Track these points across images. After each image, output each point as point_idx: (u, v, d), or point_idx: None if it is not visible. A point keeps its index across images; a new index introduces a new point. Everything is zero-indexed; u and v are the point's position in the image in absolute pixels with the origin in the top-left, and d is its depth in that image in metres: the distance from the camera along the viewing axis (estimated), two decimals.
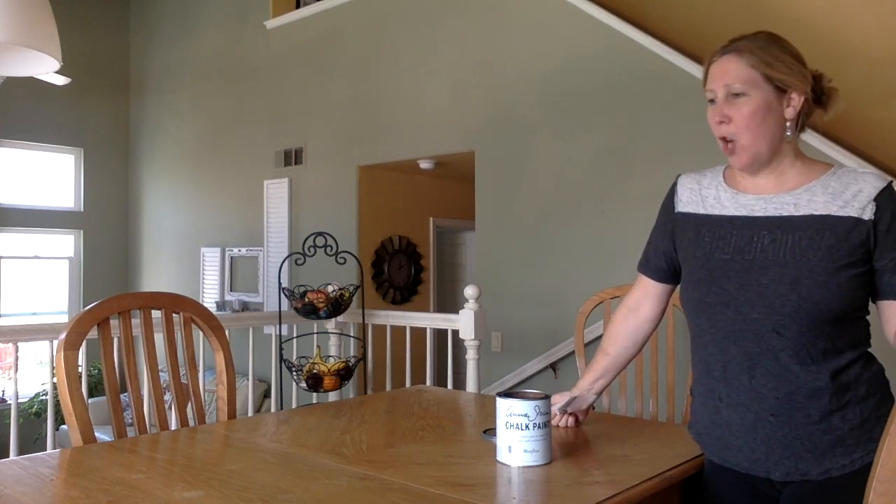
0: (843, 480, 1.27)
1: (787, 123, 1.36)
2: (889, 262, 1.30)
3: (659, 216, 1.61)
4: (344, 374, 3.72)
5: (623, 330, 1.66)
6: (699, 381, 1.45)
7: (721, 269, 1.39)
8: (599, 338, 3.29)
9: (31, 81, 4.79)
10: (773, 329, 1.31)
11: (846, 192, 1.33)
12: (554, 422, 1.68)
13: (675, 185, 1.56)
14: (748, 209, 1.40)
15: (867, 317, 1.36)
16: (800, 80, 1.35)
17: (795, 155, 1.39)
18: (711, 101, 1.40)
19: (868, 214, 1.30)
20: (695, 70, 3.88)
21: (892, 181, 1.35)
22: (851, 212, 1.31)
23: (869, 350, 1.36)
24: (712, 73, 1.39)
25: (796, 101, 1.35)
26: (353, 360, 3.82)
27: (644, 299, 1.64)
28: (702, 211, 1.46)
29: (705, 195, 1.48)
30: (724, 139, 1.38)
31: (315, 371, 3.67)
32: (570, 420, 1.70)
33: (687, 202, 1.50)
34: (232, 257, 6.64)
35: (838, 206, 1.32)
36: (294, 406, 4.05)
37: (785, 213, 1.36)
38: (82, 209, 7.54)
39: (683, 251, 1.49)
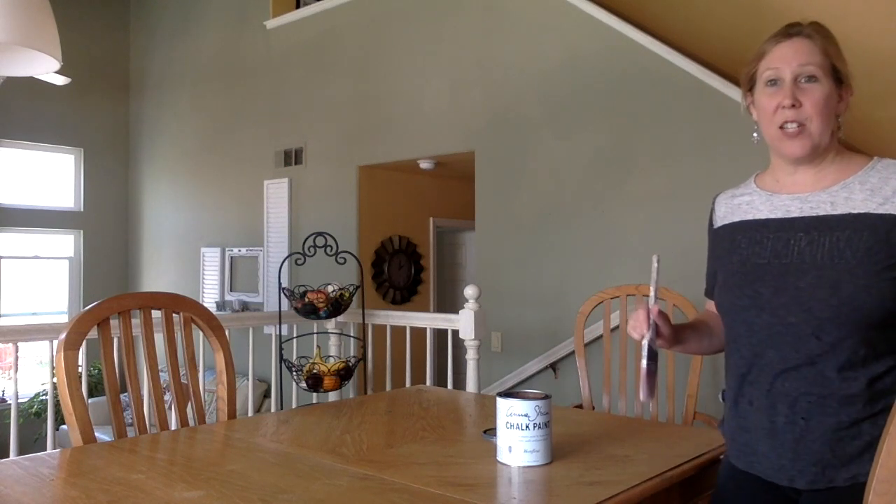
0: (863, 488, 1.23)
1: (839, 119, 1.33)
2: None
3: (709, 240, 1.55)
4: (344, 374, 3.72)
5: (707, 322, 1.56)
6: (731, 385, 1.41)
7: (756, 273, 1.35)
8: (599, 338, 3.30)
9: (31, 81, 4.79)
10: (813, 334, 1.26)
11: (886, 188, 1.27)
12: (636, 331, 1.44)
13: (713, 204, 1.53)
14: (784, 210, 1.36)
15: None
16: (853, 77, 1.33)
17: (836, 151, 1.35)
18: (772, 81, 1.33)
19: None
20: (695, 70, 3.88)
21: None
22: (891, 209, 1.25)
23: None
24: (779, 52, 1.32)
25: (847, 97, 1.33)
26: (353, 360, 3.82)
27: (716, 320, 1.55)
28: (736, 219, 1.44)
29: (738, 203, 1.45)
30: (786, 124, 1.31)
31: (315, 371, 3.67)
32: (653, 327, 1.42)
33: (723, 216, 1.48)
34: (232, 257, 6.64)
35: (877, 202, 1.26)
36: (294, 406, 4.05)
37: (822, 213, 1.30)
38: (82, 209, 7.54)
39: (720, 260, 1.45)
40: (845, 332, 1.24)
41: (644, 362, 1.40)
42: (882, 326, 1.24)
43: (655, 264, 1.43)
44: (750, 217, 1.41)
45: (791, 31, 1.34)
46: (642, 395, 1.44)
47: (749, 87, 1.40)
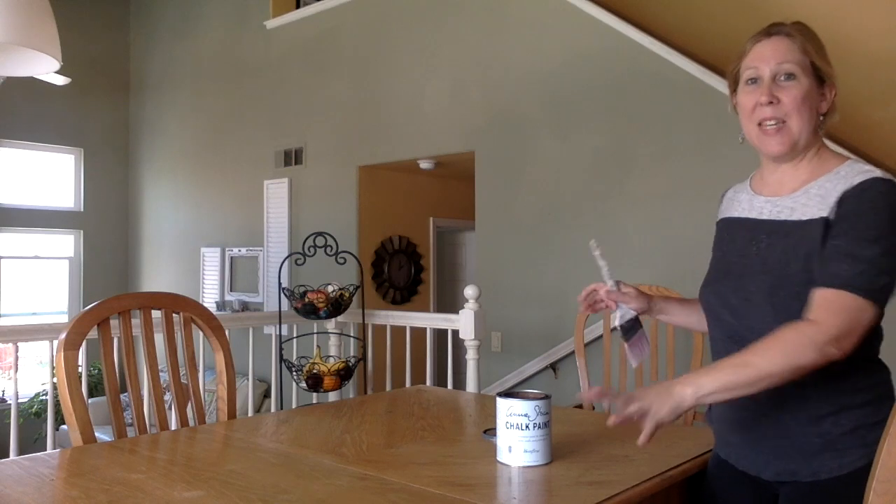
0: (834, 483, 1.25)
1: (821, 118, 1.33)
2: (829, 250, 1.22)
3: None
4: (344, 374, 3.72)
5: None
6: None
7: (724, 271, 1.39)
8: (599, 338, 3.30)
9: (31, 81, 4.79)
10: (763, 335, 1.27)
11: (832, 194, 1.26)
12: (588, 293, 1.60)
13: (720, 199, 1.56)
14: (757, 211, 1.38)
15: (880, 323, 1.29)
16: (835, 76, 1.33)
17: (817, 149, 1.35)
18: (752, 80, 1.33)
19: (834, 213, 1.24)
20: (695, 70, 3.88)
21: (882, 178, 1.24)
22: (826, 212, 1.25)
23: (872, 358, 1.30)
24: (759, 51, 1.33)
25: (829, 95, 1.33)
26: (353, 360, 3.82)
27: None
28: (727, 215, 1.48)
29: (732, 199, 1.48)
30: (764, 122, 1.32)
31: (315, 371, 3.67)
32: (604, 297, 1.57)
33: (723, 210, 1.51)
34: (232, 257, 6.64)
35: (820, 208, 1.27)
36: (294, 406, 4.05)
37: (783, 218, 1.32)
38: (82, 209, 7.54)
39: (712, 254, 1.50)
40: None
41: (627, 338, 1.57)
42: None
43: (596, 252, 1.59)
44: (735, 214, 1.44)
45: (772, 30, 1.35)
46: (634, 362, 1.61)
47: (734, 87, 1.41)
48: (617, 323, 1.59)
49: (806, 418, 1.27)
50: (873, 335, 1.29)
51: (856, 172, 1.27)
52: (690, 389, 1.19)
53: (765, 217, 1.36)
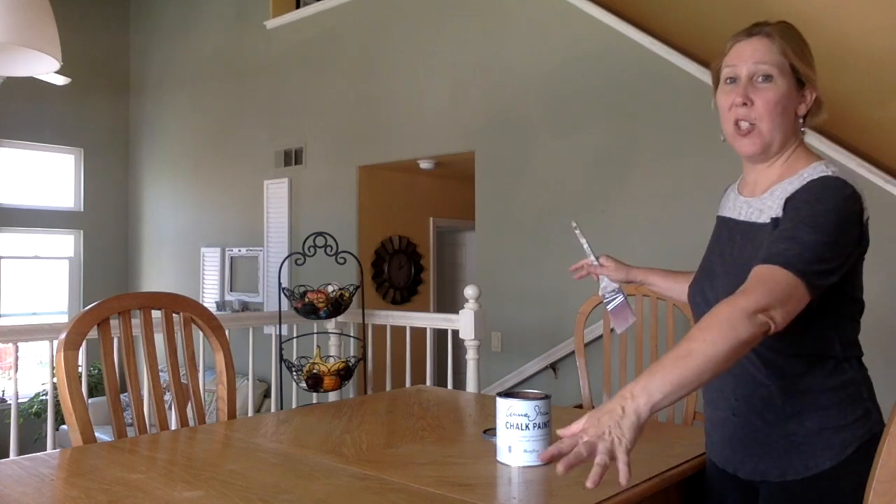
0: (801, 485, 1.24)
1: (800, 120, 1.33)
2: (773, 235, 1.23)
3: None
4: (344, 374, 3.72)
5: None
6: None
7: (706, 270, 1.42)
8: (599, 338, 3.30)
9: (31, 81, 4.79)
10: None
11: (784, 196, 1.28)
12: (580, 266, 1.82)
13: (722, 195, 1.58)
14: (736, 212, 1.40)
15: (847, 324, 1.29)
16: (815, 78, 1.32)
17: (794, 150, 1.34)
18: (730, 80, 1.34)
19: (781, 211, 1.26)
20: (695, 70, 3.88)
21: (832, 175, 1.24)
22: (775, 214, 1.27)
23: (844, 358, 1.27)
24: (738, 51, 1.33)
25: (809, 98, 1.33)
26: (353, 360, 3.82)
27: None
28: (720, 212, 1.49)
29: (727, 196, 1.50)
30: (738, 122, 1.32)
31: (315, 371, 3.67)
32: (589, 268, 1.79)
33: (719, 208, 1.52)
34: (232, 257, 6.64)
35: (776, 211, 1.28)
36: (294, 406, 4.05)
37: (752, 220, 1.34)
38: (82, 209, 7.54)
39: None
40: None
41: (609, 306, 1.76)
42: (786, 332, 1.18)
43: (577, 231, 1.80)
44: (724, 213, 1.46)
45: (753, 30, 1.35)
46: (618, 329, 1.78)
47: (716, 84, 1.41)
48: (599, 293, 1.79)
49: (773, 418, 1.27)
50: (836, 334, 1.26)
51: (817, 173, 1.26)
52: (643, 399, 1.07)
53: (741, 218, 1.38)
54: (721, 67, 1.37)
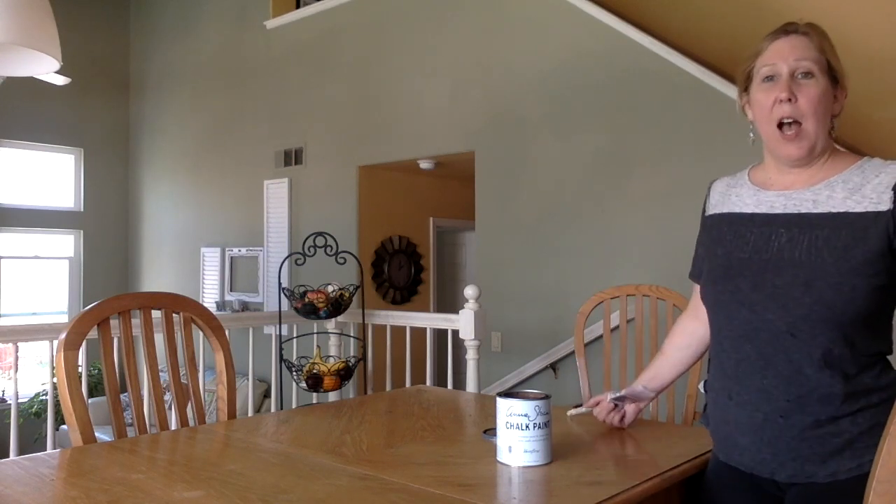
0: (850, 483, 1.23)
1: (833, 119, 1.32)
2: None
3: (700, 224, 1.59)
4: (344, 374, 3.72)
5: (679, 330, 1.64)
6: (714, 377, 1.43)
7: (737, 268, 1.36)
8: (599, 338, 3.30)
9: (31, 81, 4.79)
10: (788, 331, 1.26)
11: (866, 187, 1.27)
12: (600, 416, 1.69)
13: (708, 190, 1.54)
14: (768, 206, 1.36)
15: (890, 322, 1.30)
16: (846, 77, 1.32)
17: (831, 151, 1.34)
18: (769, 78, 1.32)
19: (886, 205, 1.24)
20: (695, 70, 3.88)
21: None
22: (869, 206, 1.25)
23: (889, 357, 1.29)
24: (777, 48, 1.31)
25: (841, 98, 1.32)
26: (353, 360, 3.82)
27: (699, 304, 1.55)
28: (726, 210, 1.45)
29: (730, 194, 1.46)
30: (782, 123, 1.30)
31: (315, 371, 3.67)
32: (617, 418, 1.68)
33: (715, 204, 1.49)
34: (232, 257, 6.64)
35: (856, 201, 1.26)
36: (294, 406, 4.05)
37: (804, 211, 1.30)
38: (82, 209, 7.54)
39: (707, 250, 1.47)
40: (819, 329, 1.25)
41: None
42: (857, 325, 1.24)
43: (582, 409, 1.77)
44: (737, 210, 1.42)
45: (788, 28, 1.34)
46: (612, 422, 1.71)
47: (745, 86, 1.39)
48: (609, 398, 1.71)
49: (829, 418, 1.25)
50: (890, 333, 1.28)
51: (887, 163, 1.29)
52: None
53: (779, 211, 1.34)
54: (754, 68, 1.35)
